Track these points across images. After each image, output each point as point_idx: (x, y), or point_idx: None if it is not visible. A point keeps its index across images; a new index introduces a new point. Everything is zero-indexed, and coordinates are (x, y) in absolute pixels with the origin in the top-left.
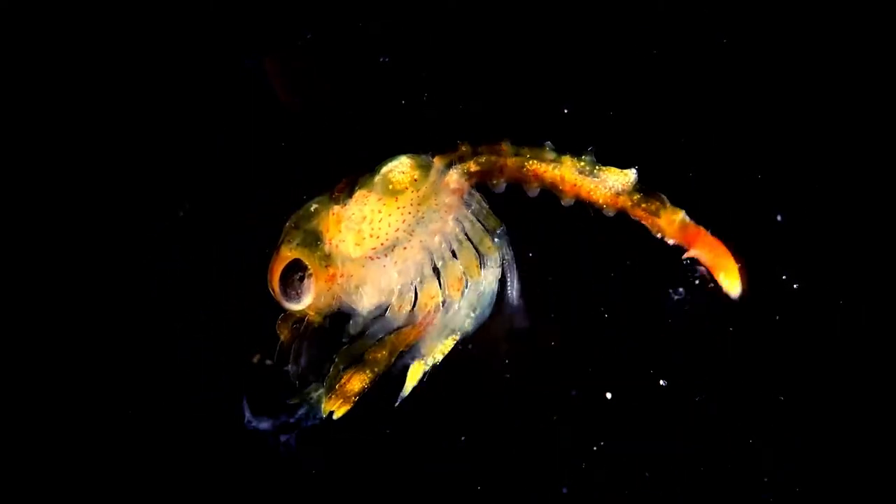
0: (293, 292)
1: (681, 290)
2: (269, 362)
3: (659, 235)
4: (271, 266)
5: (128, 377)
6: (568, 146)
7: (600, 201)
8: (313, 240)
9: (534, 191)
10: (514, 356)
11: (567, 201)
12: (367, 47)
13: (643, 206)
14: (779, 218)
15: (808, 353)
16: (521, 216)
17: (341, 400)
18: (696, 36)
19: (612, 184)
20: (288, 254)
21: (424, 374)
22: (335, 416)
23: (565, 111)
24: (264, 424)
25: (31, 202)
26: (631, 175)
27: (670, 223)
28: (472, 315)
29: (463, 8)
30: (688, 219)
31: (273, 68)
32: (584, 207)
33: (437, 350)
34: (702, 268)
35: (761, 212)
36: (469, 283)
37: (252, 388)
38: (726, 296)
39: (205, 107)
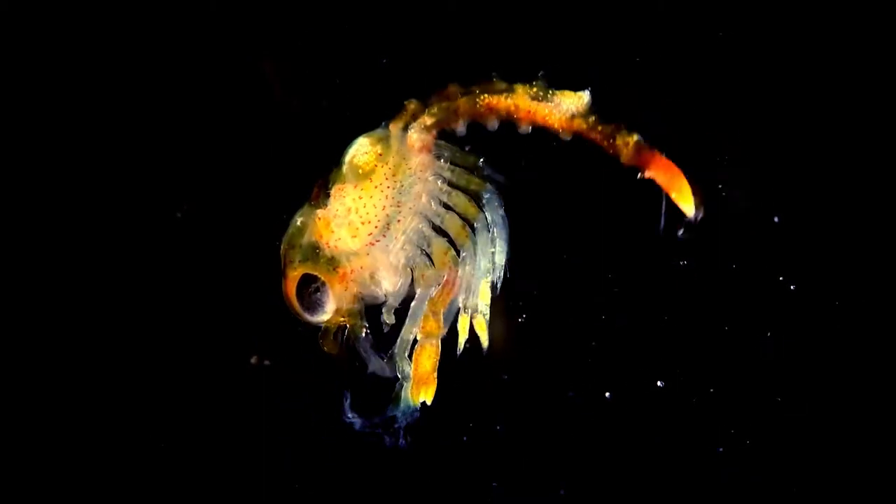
0: (315, 306)
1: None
2: (266, 363)
3: (614, 156)
4: (285, 292)
5: (126, 379)
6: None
7: (556, 126)
8: (312, 250)
9: (493, 125)
10: (511, 356)
11: (524, 129)
12: (367, 47)
13: (599, 128)
14: (776, 219)
15: (805, 355)
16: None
17: (423, 384)
18: (693, 34)
19: (567, 107)
20: (294, 273)
21: (487, 322)
22: (428, 402)
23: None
24: (375, 426)
25: (29, 202)
26: (585, 97)
27: (625, 145)
28: (494, 250)
29: (463, 10)
30: (642, 141)
31: (271, 68)
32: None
33: (479, 298)
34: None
35: (758, 213)
36: (475, 225)
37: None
38: (683, 216)
39: (202, 107)
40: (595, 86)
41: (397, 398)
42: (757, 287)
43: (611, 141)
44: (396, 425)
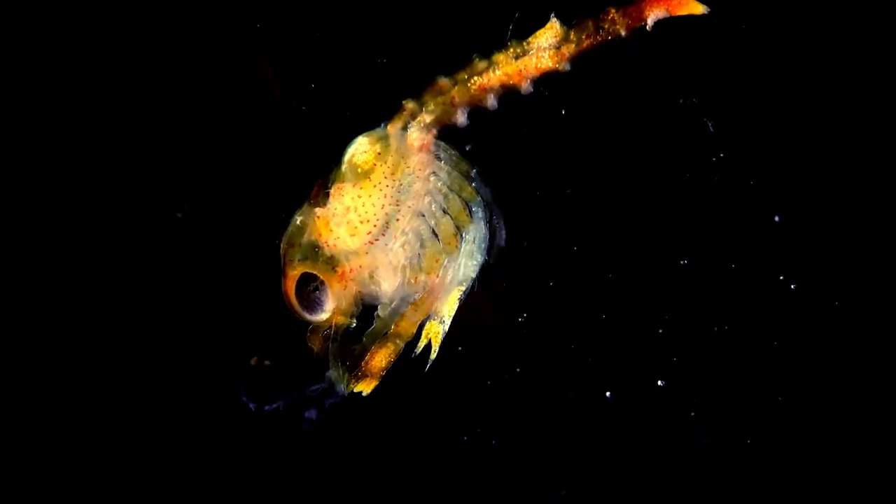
0: (314, 305)
1: None
2: (267, 363)
3: (615, 39)
4: (284, 291)
5: (125, 379)
6: (566, 140)
7: (551, 65)
8: (311, 250)
9: (492, 104)
10: (510, 357)
11: (526, 89)
12: (366, 47)
13: (583, 35)
14: (776, 219)
15: (805, 354)
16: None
17: (368, 378)
18: (692, 34)
19: (547, 43)
20: (293, 273)
21: (444, 334)
22: (364, 394)
23: (563, 112)
24: (274, 405)
25: (28, 203)
26: (554, 24)
27: (612, 22)
28: (472, 263)
29: (463, 10)
30: (620, 8)
31: (270, 68)
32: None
33: (448, 306)
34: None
35: (758, 213)
36: (463, 234)
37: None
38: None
39: (202, 107)
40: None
41: (332, 377)
42: (757, 287)
43: (601, 32)
44: (308, 393)
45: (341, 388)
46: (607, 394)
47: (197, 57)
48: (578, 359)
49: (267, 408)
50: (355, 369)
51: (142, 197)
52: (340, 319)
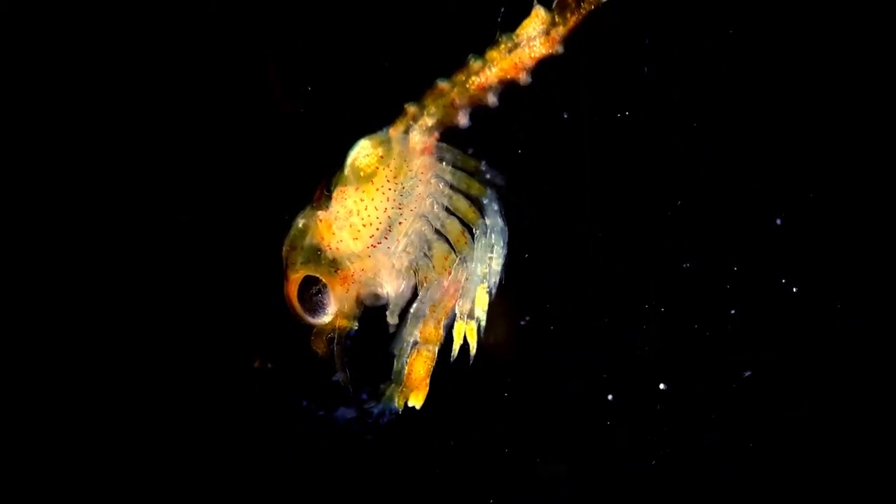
0: (316, 308)
1: None
2: (269, 366)
3: (598, 5)
4: (286, 294)
5: (130, 381)
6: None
7: (545, 51)
8: (314, 253)
9: (493, 101)
10: (514, 359)
11: (525, 81)
12: (370, 49)
13: (568, 14)
14: (778, 221)
15: (807, 357)
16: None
17: (415, 389)
18: (694, 35)
19: (537, 32)
20: (296, 276)
21: (479, 329)
22: (417, 406)
23: (565, 115)
24: (347, 413)
25: (32, 208)
26: (539, 11)
27: None
28: (492, 256)
29: (464, 10)
30: None
31: (272, 69)
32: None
33: (475, 304)
34: None
35: (760, 216)
36: (474, 230)
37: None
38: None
39: (204, 109)
40: None
41: (382, 396)
42: (759, 289)
43: (583, 4)
44: (370, 420)
45: (394, 405)
46: (609, 396)
47: (200, 60)
48: (580, 362)
49: (334, 414)
50: (400, 386)
51: (146, 200)
52: (343, 322)
